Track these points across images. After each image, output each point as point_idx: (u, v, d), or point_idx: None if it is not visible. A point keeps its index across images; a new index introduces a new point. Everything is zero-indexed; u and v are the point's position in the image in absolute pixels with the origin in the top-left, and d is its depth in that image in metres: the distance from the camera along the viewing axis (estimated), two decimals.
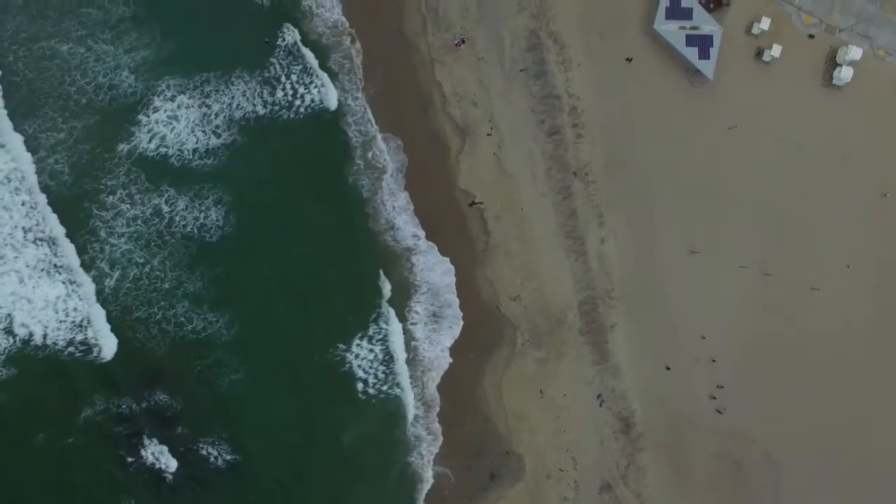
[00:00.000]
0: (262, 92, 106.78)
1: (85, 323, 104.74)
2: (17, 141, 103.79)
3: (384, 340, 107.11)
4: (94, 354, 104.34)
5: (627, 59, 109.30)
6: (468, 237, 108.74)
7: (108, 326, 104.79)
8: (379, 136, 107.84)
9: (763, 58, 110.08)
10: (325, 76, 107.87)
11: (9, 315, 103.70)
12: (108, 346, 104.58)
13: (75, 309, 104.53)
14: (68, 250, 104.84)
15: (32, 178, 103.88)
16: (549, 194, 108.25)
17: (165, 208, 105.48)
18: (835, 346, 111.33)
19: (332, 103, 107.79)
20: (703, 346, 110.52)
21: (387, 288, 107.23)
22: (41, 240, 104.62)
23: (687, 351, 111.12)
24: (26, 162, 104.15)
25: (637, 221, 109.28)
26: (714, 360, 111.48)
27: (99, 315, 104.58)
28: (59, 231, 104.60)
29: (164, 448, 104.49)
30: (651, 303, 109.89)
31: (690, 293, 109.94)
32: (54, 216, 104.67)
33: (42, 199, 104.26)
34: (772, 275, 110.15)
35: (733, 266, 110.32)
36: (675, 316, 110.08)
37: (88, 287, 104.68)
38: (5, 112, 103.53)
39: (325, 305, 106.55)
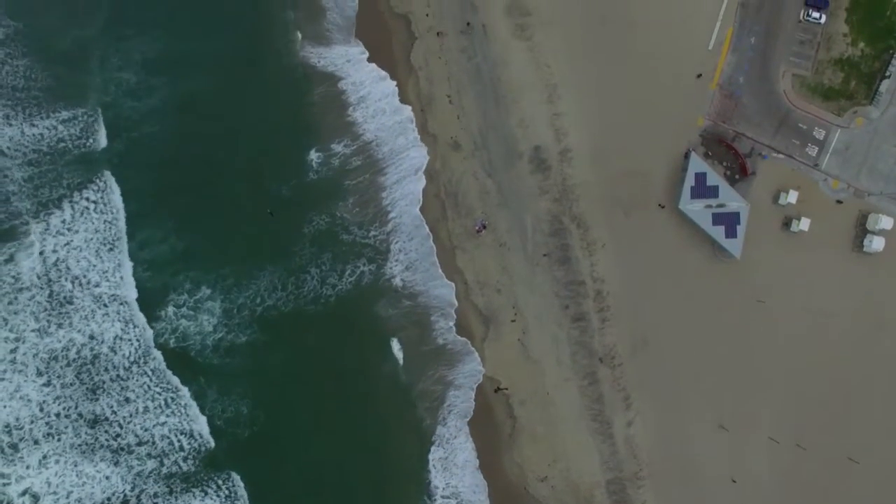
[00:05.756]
0: (286, 283, 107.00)
1: None
2: None
3: None
4: None
5: (660, 206, 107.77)
6: (494, 422, 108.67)
7: None
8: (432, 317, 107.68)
9: (791, 228, 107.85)
10: (360, 261, 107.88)
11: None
12: None
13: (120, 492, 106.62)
14: (104, 435, 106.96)
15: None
16: (574, 378, 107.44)
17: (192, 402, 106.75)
18: None
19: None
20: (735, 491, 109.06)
21: (425, 476, 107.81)
22: (77, 420, 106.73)
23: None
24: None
25: (664, 400, 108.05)
26: None
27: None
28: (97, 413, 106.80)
29: None
30: (680, 480, 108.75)
31: (720, 469, 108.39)
32: (87, 400, 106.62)
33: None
34: (805, 448, 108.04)
35: (764, 439, 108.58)
36: (705, 491, 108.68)
37: (128, 470, 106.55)
38: None
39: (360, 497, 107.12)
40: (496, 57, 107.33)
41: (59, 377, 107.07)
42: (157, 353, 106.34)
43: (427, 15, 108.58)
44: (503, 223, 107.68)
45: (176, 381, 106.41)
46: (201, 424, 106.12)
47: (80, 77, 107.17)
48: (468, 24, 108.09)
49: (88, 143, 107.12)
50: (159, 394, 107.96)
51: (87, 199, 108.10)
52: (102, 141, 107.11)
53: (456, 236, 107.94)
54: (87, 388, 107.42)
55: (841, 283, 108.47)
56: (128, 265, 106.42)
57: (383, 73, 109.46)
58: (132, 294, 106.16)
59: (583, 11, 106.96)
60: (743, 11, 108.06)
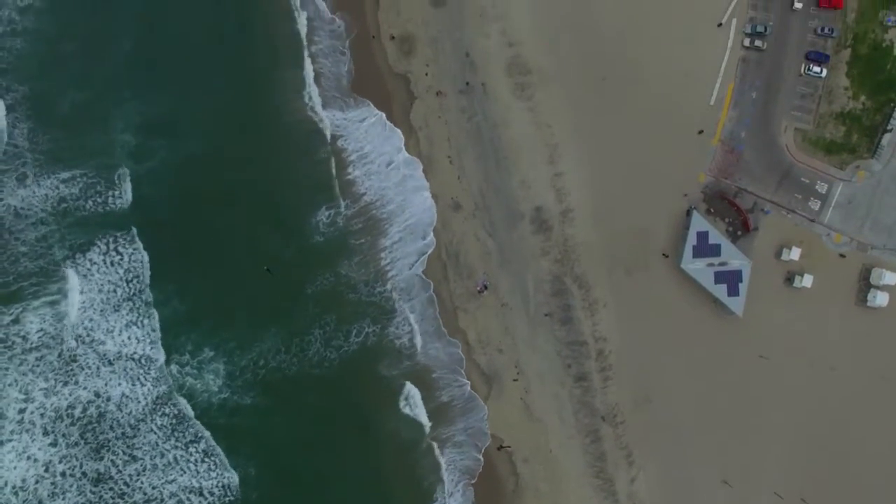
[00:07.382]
0: (291, 345, 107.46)
1: None
2: None
3: None
4: None
5: (664, 255, 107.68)
6: (497, 479, 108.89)
7: None
8: (435, 374, 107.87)
9: (794, 284, 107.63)
10: (365, 321, 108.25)
11: None
12: None
13: None
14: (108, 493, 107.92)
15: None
16: (577, 436, 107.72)
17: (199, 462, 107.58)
18: None
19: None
20: None
21: None
22: (81, 479, 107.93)
23: None
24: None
25: (667, 456, 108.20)
26: None
27: None
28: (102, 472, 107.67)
29: None
30: None
31: None
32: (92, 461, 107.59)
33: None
34: None
35: (768, 494, 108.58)
36: None
37: None
38: None
39: None
40: (496, 117, 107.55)
41: (64, 436, 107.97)
42: (169, 409, 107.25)
43: (426, 74, 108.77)
44: (505, 283, 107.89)
45: (189, 435, 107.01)
46: (214, 479, 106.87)
47: (94, 138, 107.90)
48: (467, 83, 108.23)
49: (98, 204, 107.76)
50: (168, 451, 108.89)
51: (91, 260, 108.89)
52: (127, 199, 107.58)
53: (458, 297, 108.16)
54: (91, 448, 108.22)
55: (845, 338, 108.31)
56: (155, 321, 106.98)
57: (390, 125, 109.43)
58: (160, 354, 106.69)
59: (583, 70, 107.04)
60: (744, 66, 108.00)
